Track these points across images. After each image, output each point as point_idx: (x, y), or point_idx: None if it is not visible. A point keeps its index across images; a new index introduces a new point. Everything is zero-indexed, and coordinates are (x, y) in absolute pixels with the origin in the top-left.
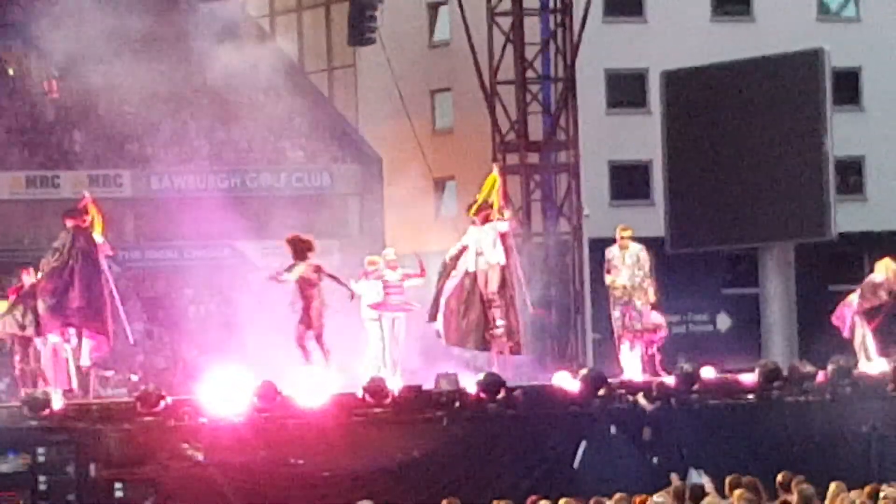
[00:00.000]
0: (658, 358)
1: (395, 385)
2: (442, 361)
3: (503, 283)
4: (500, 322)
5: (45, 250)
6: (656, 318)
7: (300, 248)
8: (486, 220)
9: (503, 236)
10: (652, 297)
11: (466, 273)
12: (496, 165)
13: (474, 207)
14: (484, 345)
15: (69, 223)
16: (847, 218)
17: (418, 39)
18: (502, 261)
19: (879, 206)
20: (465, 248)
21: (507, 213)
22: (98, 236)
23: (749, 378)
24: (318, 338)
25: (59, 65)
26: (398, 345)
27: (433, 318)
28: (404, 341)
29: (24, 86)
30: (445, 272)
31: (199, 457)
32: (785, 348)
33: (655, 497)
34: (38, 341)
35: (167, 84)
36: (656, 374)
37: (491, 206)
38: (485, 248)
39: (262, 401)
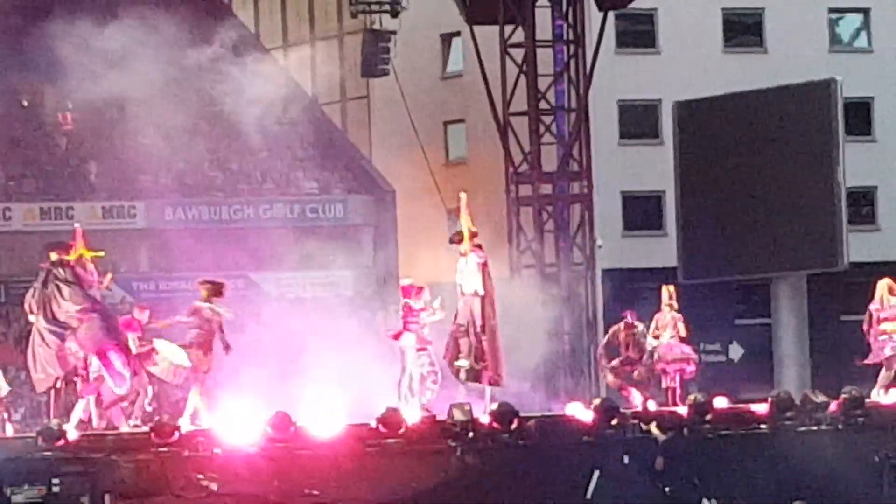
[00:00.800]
0: (678, 392)
1: (410, 415)
2: (454, 390)
3: (485, 314)
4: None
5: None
6: (687, 350)
7: (211, 291)
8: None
9: (484, 266)
10: (682, 332)
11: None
12: (464, 194)
13: (465, 237)
14: (475, 376)
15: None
16: (859, 248)
17: (431, 71)
18: (482, 290)
19: (892, 236)
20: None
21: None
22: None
23: (761, 408)
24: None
25: (73, 97)
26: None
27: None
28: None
29: (38, 117)
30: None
31: (214, 487)
32: (797, 378)
33: None
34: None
35: (181, 116)
36: (675, 405)
37: (473, 235)
38: (469, 278)
39: (276, 431)
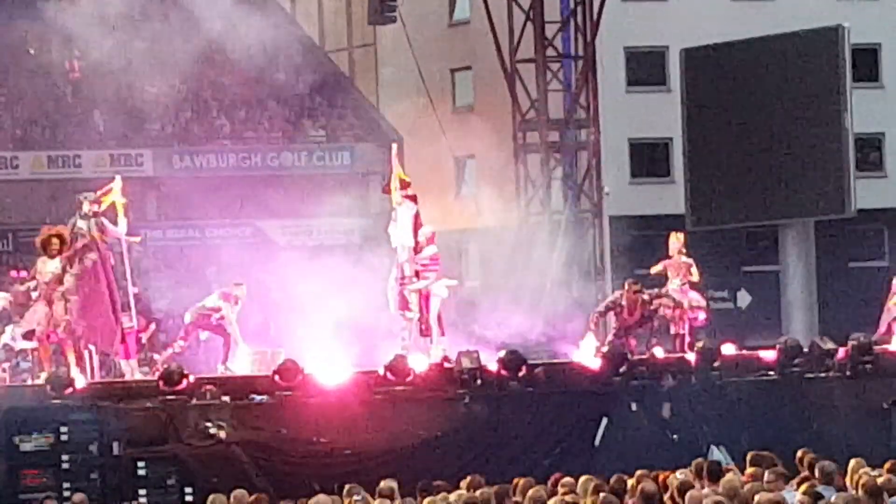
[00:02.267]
0: (687, 340)
1: (418, 362)
2: (462, 338)
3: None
4: (415, 306)
5: None
6: (697, 297)
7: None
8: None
9: (416, 217)
10: (695, 277)
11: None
12: (394, 145)
13: (394, 188)
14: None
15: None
16: (866, 194)
17: (438, 18)
18: (411, 242)
19: None
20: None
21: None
22: (111, 225)
23: (769, 355)
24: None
25: (80, 44)
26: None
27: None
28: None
29: (44, 66)
30: None
31: (222, 435)
32: (805, 325)
33: (677, 474)
34: None
35: (188, 64)
36: (683, 352)
37: (405, 185)
38: (400, 230)
39: (284, 379)
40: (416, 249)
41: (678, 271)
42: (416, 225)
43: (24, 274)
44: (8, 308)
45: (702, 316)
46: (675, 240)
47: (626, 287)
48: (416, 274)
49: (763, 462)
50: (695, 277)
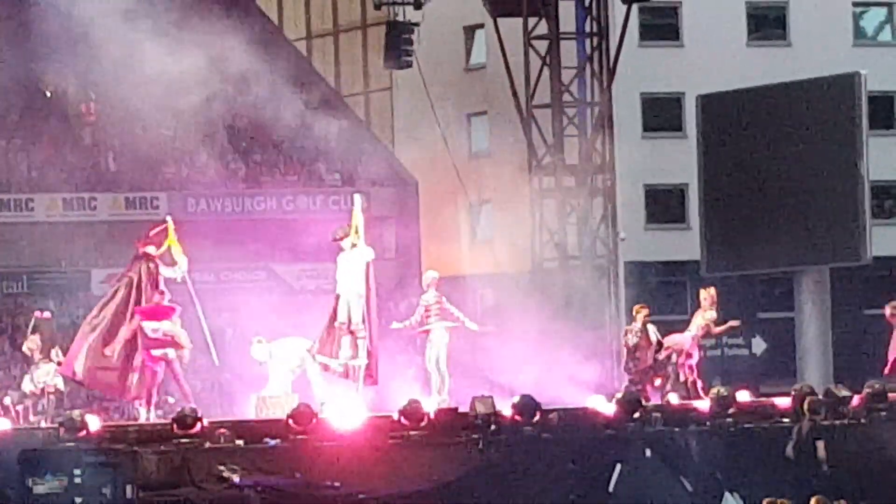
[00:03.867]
0: (699, 384)
1: (431, 406)
2: (475, 383)
3: (367, 314)
4: (362, 353)
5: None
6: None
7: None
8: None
9: (368, 266)
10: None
11: (336, 298)
12: (358, 197)
13: (351, 233)
14: (351, 374)
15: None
16: (882, 241)
17: (455, 63)
18: (363, 291)
19: None
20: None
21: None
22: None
23: (784, 402)
24: None
25: (97, 88)
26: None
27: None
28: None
29: (61, 108)
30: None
31: (236, 479)
32: (820, 372)
33: None
34: None
35: (204, 108)
36: (697, 398)
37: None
38: (352, 276)
39: (298, 423)
40: (369, 299)
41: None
42: (368, 274)
43: (47, 314)
44: (35, 350)
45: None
46: (708, 295)
47: (635, 314)
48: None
49: None
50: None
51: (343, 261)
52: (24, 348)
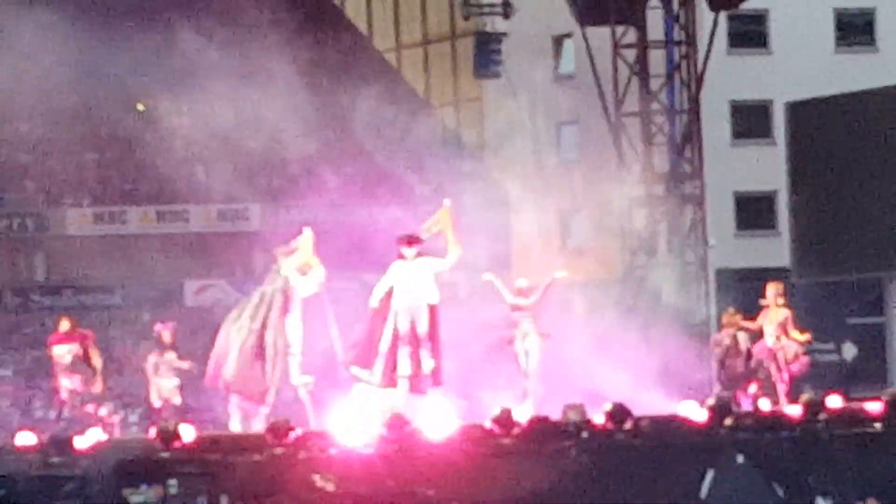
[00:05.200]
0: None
1: (522, 415)
2: (566, 390)
3: (433, 323)
4: (429, 362)
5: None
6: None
7: None
8: (419, 255)
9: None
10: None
11: (395, 312)
12: (447, 202)
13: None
14: (414, 388)
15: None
16: None
17: (543, 72)
18: (436, 300)
19: None
20: (391, 289)
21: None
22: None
23: (875, 407)
24: None
25: (189, 100)
26: (530, 374)
27: (365, 363)
28: (536, 370)
29: (153, 121)
30: (379, 315)
31: (330, 488)
32: None
33: None
34: None
35: (296, 119)
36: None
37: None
38: (416, 285)
39: (391, 432)
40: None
41: (773, 322)
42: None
43: (169, 326)
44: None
45: (795, 367)
46: (773, 289)
47: (726, 320)
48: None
49: None
50: (790, 328)
51: (404, 271)
52: (148, 363)
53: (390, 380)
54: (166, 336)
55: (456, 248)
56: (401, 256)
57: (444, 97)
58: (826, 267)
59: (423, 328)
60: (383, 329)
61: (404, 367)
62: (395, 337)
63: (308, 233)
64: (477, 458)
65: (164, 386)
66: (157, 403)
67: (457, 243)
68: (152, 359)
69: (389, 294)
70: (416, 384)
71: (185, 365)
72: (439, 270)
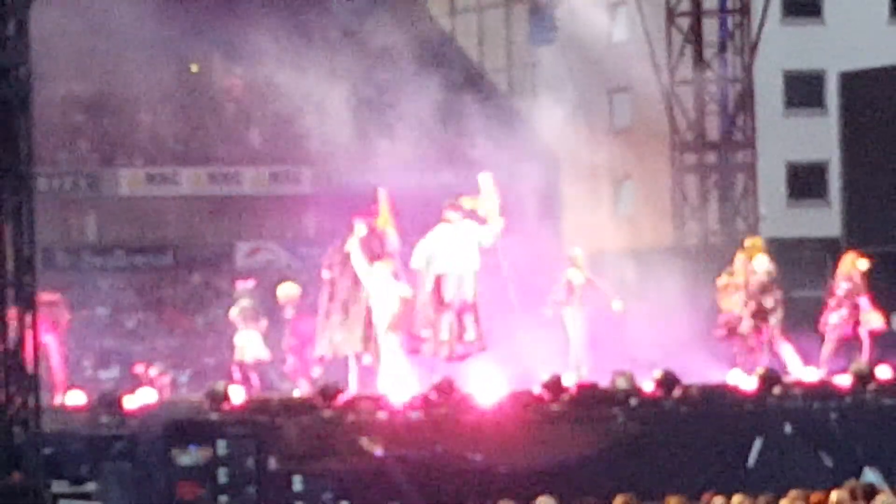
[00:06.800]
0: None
1: (571, 381)
2: (615, 357)
3: (476, 289)
4: (472, 329)
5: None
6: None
7: None
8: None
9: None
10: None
11: (438, 277)
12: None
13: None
14: (452, 354)
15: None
16: None
17: (597, 40)
18: (477, 266)
19: None
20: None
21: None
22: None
23: None
24: None
25: (241, 62)
26: (581, 344)
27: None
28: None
29: (206, 83)
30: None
31: (378, 451)
32: None
33: (831, 495)
34: None
35: (346, 82)
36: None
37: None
38: (462, 250)
39: (439, 396)
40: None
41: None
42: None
43: (250, 283)
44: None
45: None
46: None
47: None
48: (569, 297)
49: None
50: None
51: (449, 235)
52: (231, 317)
53: (437, 346)
54: (248, 285)
55: (498, 219)
56: (445, 220)
57: (497, 62)
58: (877, 237)
59: (468, 294)
60: (430, 294)
61: (446, 332)
62: (440, 303)
63: (382, 194)
64: (525, 423)
65: (244, 337)
66: (245, 358)
67: (498, 214)
68: (234, 314)
69: (430, 258)
70: (459, 350)
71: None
72: (483, 240)
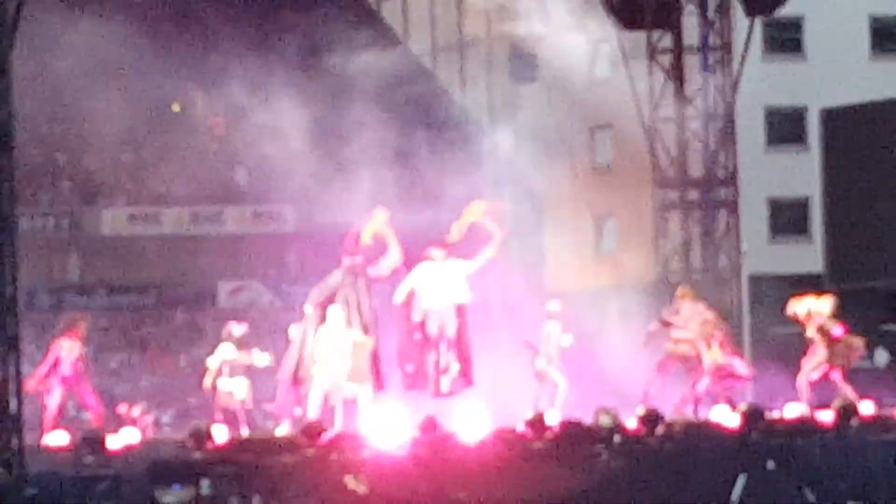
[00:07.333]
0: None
1: (554, 419)
2: (599, 393)
3: (462, 324)
4: (454, 366)
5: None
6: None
7: None
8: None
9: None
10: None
11: (423, 313)
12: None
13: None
14: (439, 391)
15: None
16: None
17: (578, 77)
18: (466, 300)
19: None
20: (412, 291)
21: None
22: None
23: None
24: None
25: (225, 101)
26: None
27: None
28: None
29: (189, 123)
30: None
31: (362, 490)
32: None
33: None
34: None
35: (329, 121)
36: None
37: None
38: (444, 286)
39: (424, 434)
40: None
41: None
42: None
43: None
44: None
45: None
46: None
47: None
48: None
49: None
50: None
51: (430, 273)
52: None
53: (419, 382)
54: (237, 332)
55: (489, 248)
56: (428, 258)
57: (478, 100)
58: (859, 273)
59: (451, 330)
60: (412, 332)
61: (431, 369)
62: (425, 339)
63: (380, 211)
64: (509, 461)
65: (234, 388)
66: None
67: (493, 243)
68: (224, 357)
69: (412, 295)
70: (440, 388)
71: (264, 359)
72: (469, 271)
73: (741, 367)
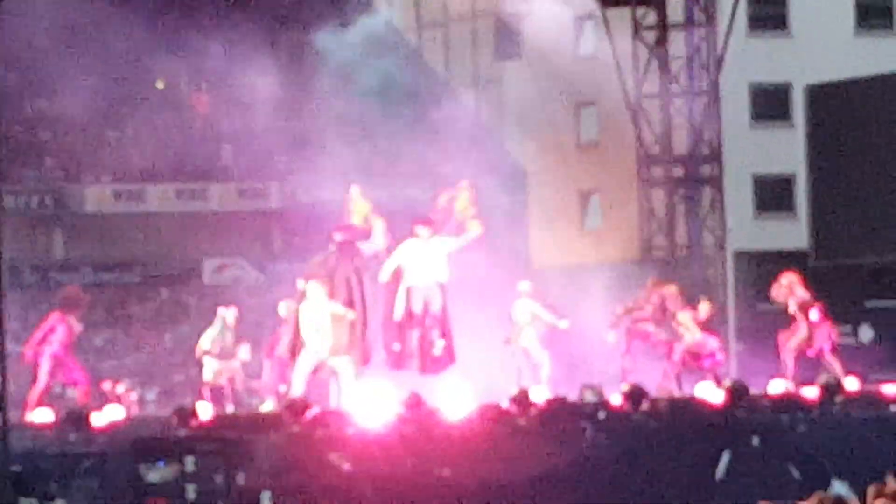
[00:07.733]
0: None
1: (539, 395)
2: (581, 371)
3: (444, 302)
4: (439, 342)
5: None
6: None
7: None
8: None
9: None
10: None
11: (407, 290)
12: (465, 183)
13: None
14: (426, 367)
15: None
16: None
17: (564, 54)
18: (446, 279)
19: None
20: (398, 269)
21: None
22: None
23: (892, 389)
24: None
25: (208, 78)
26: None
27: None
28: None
29: (173, 99)
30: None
31: (346, 467)
32: None
33: None
34: None
35: (314, 97)
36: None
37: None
38: (429, 264)
39: (408, 411)
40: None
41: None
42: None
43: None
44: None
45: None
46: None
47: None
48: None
49: (885, 495)
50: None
51: (416, 250)
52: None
53: (405, 361)
54: (229, 318)
55: (475, 227)
56: (413, 235)
57: (464, 77)
58: (844, 250)
59: (436, 307)
60: (395, 309)
61: (414, 346)
62: (410, 317)
63: (354, 192)
64: (493, 437)
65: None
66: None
67: (476, 222)
68: (210, 339)
69: (398, 272)
70: (427, 364)
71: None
72: (453, 248)
73: (713, 344)
